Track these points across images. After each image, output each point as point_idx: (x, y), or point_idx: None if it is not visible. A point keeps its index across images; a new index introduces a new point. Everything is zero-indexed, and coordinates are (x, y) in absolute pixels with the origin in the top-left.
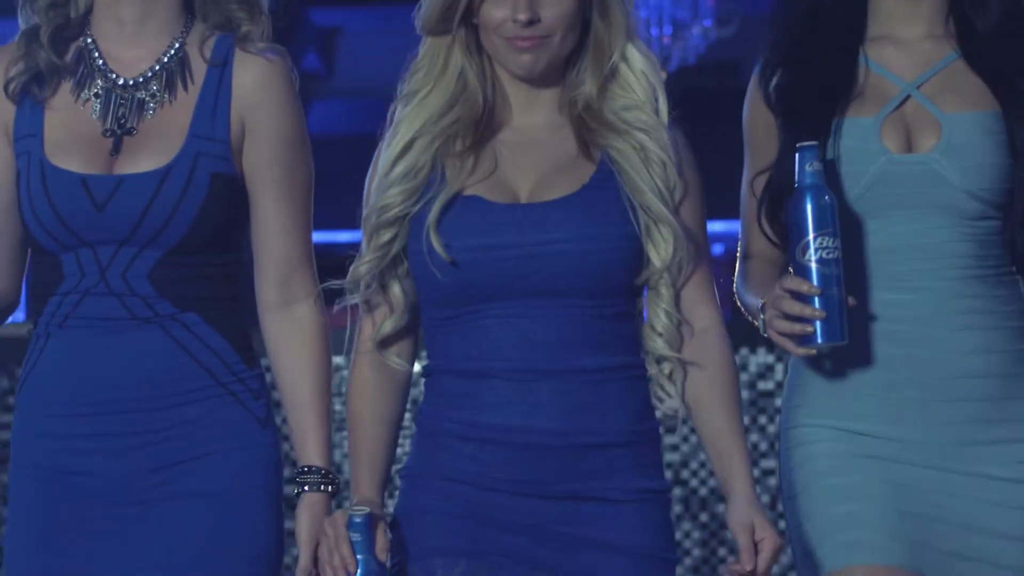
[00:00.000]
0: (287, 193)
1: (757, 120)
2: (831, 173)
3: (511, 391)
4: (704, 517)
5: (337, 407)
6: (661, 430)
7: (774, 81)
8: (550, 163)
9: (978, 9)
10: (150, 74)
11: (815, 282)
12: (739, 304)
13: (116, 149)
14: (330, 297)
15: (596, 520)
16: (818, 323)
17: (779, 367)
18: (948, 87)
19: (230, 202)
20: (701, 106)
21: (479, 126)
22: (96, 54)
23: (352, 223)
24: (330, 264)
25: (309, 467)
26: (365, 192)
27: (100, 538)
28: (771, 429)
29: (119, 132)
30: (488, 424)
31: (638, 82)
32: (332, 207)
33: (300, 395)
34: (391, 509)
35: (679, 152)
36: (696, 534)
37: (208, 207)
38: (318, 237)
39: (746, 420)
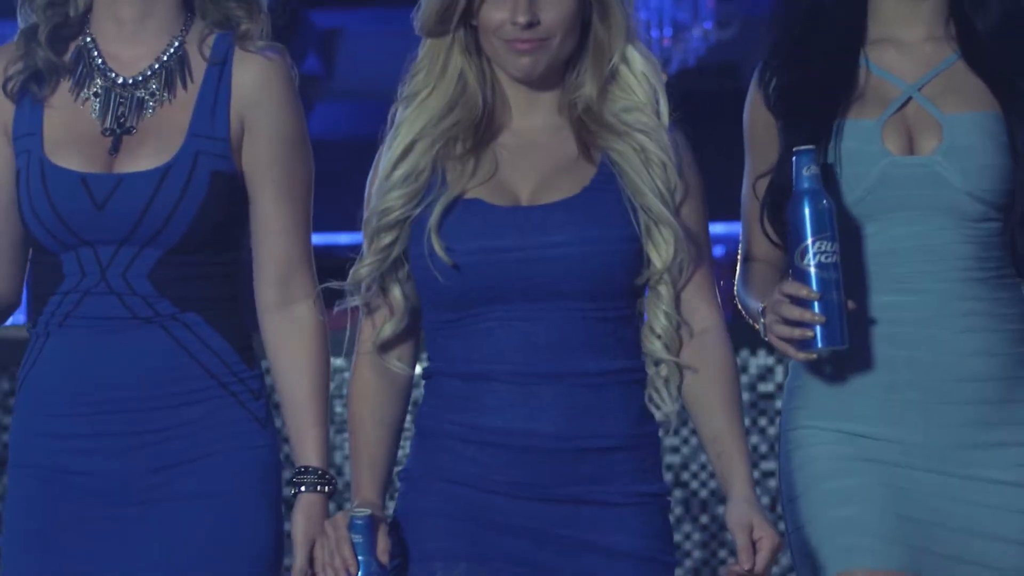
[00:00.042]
0: (287, 192)
1: (757, 122)
2: (832, 175)
3: (512, 394)
4: (704, 519)
5: (338, 409)
6: (661, 432)
7: (774, 83)
8: (550, 165)
9: (978, 10)
10: (149, 73)
11: (814, 286)
12: (740, 307)
13: (115, 148)
14: (330, 299)
15: (596, 524)
16: (818, 328)
17: (779, 369)
18: (949, 89)
19: (230, 200)
20: (701, 108)
21: (479, 128)
22: (95, 53)
23: (352, 225)
24: (330, 266)
25: (306, 468)
26: (366, 195)
27: (100, 538)
28: (771, 431)
29: (118, 131)
30: (489, 427)
31: (639, 84)
32: (332, 209)
33: (298, 395)
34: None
35: (679, 153)
36: (696, 536)
37: (208, 206)
38: (318, 239)
39: (746, 422)
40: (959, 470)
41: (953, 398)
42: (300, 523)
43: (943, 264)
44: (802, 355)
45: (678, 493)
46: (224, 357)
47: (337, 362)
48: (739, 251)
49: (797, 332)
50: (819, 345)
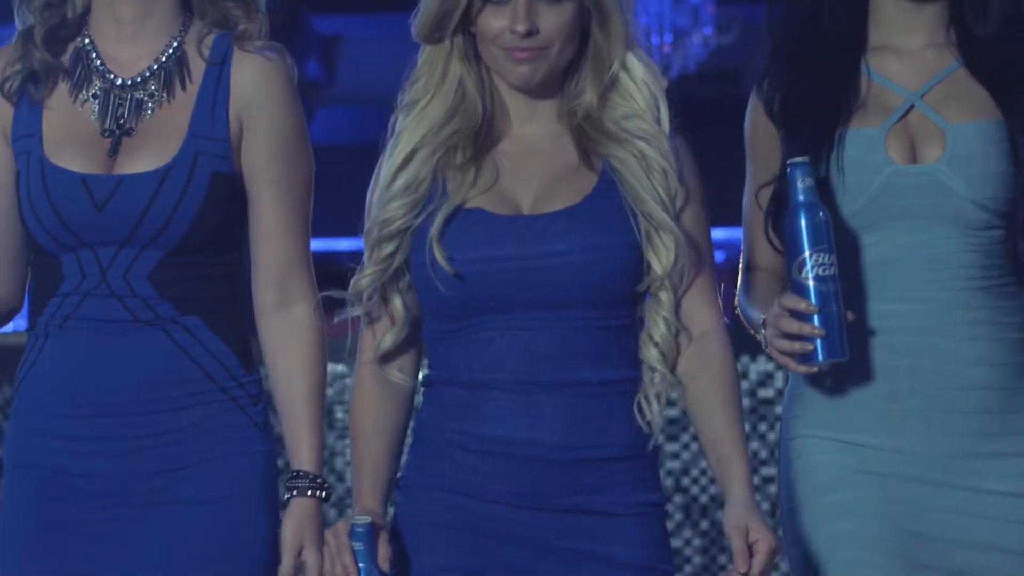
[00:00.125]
0: (285, 193)
1: (759, 131)
2: (834, 184)
3: (513, 403)
4: (705, 524)
5: (340, 415)
6: (661, 439)
7: (775, 92)
8: (551, 173)
9: (978, 17)
10: (148, 74)
11: (813, 300)
12: (740, 316)
13: (115, 150)
14: (330, 305)
15: (597, 534)
16: (818, 341)
17: (779, 375)
18: (951, 96)
19: (230, 201)
20: (702, 114)
21: (479, 136)
22: (94, 54)
23: (353, 230)
24: (331, 272)
25: (299, 472)
26: (367, 203)
27: (100, 539)
28: (771, 437)
29: (118, 132)
30: (490, 436)
31: (639, 91)
32: (333, 214)
33: (294, 398)
34: None
35: (680, 159)
36: (697, 541)
37: (208, 206)
38: (319, 244)
39: (747, 428)
40: (960, 480)
41: (956, 407)
42: (289, 527)
43: (947, 273)
44: (803, 368)
45: (678, 499)
46: (224, 361)
47: (338, 368)
48: (740, 260)
49: (797, 346)
50: (820, 358)
